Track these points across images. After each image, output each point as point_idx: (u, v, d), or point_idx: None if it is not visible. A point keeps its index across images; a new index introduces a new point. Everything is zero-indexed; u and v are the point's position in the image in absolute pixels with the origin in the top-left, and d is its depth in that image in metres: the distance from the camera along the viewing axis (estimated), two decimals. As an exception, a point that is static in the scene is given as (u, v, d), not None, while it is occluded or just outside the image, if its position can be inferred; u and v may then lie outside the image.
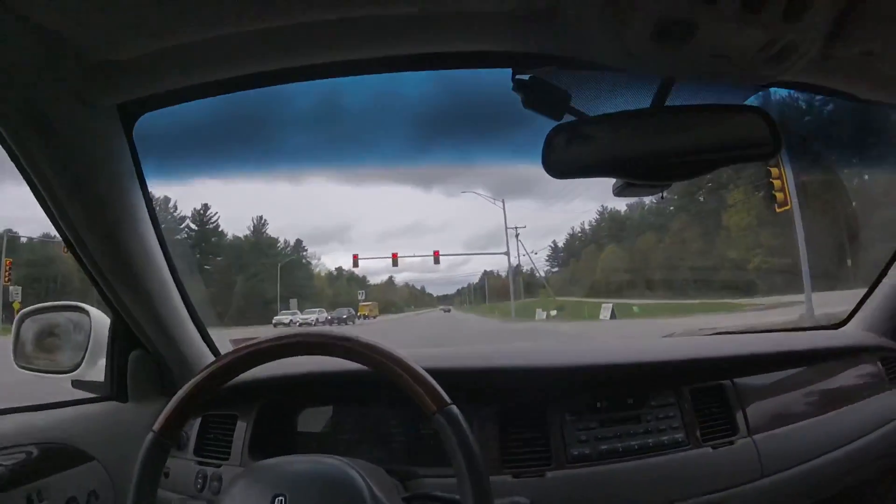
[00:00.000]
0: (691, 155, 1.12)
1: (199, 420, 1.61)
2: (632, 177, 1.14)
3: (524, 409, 1.51)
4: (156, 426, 1.03)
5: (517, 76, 1.12)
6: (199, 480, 1.51)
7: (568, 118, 1.14)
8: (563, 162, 1.11)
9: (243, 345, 1.11)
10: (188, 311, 1.65)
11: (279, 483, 1.01)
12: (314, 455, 1.12)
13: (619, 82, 1.16)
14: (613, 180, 1.20)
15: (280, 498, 0.97)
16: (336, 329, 1.17)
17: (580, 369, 1.65)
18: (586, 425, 1.50)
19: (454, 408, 1.02)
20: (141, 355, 1.62)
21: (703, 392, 1.62)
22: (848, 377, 1.91)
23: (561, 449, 1.46)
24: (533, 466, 1.44)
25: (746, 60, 0.95)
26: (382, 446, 1.55)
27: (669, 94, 1.12)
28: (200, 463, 1.55)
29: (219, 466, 1.51)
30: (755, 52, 0.93)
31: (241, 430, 1.55)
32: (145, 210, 1.40)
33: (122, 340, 1.61)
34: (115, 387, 1.62)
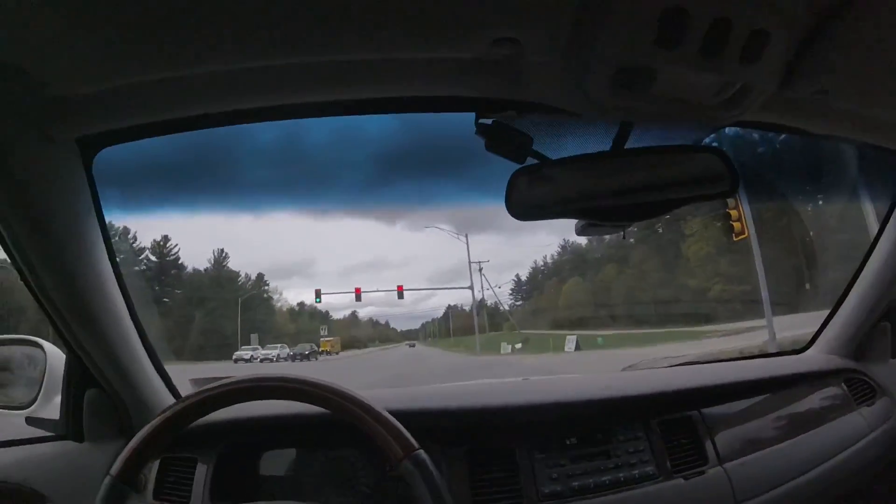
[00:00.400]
0: (651, 195, 1.15)
1: (158, 462, 1.55)
2: (593, 218, 1.16)
3: (493, 448, 1.49)
4: (113, 470, 1.01)
5: (480, 120, 1.13)
6: None
7: (530, 161, 1.16)
8: (526, 204, 1.13)
9: (201, 389, 1.10)
10: (146, 350, 1.60)
11: None
12: (277, 503, 1.12)
13: (580, 126, 1.18)
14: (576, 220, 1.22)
15: None
16: (294, 372, 1.15)
17: (547, 406, 1.64)
18: (556, 462, 1.49)
19: (422, 452, 1.01)
20: (97, 394, 1.56)
21: (672, 423, 1.63)
22: (814, 401, 1.95)
23: (532, 488, 1.44)
24: None
25: (704, 103, 0.99)
26: (348, 491, 1.51)
27: (629, 137, 1.16)
28: None
29: None
30: (712, 94, 0.96)
31: (202, 473, 1.50)
32: (103, 246, 1.37)
33: (77, 378, 1.55)
34: (70, 426, 1.56)
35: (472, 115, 1.15)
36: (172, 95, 1.06)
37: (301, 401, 1.09)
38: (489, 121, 1.13)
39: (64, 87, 0.99)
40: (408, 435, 1.03)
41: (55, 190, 1.19)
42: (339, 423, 1.08)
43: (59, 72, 0.95)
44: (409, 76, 1.02)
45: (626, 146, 1.17)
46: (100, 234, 1.35)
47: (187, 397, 1.10)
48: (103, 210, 1.35)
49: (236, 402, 1.10)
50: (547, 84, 1.01)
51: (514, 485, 1.45)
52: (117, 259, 1.45)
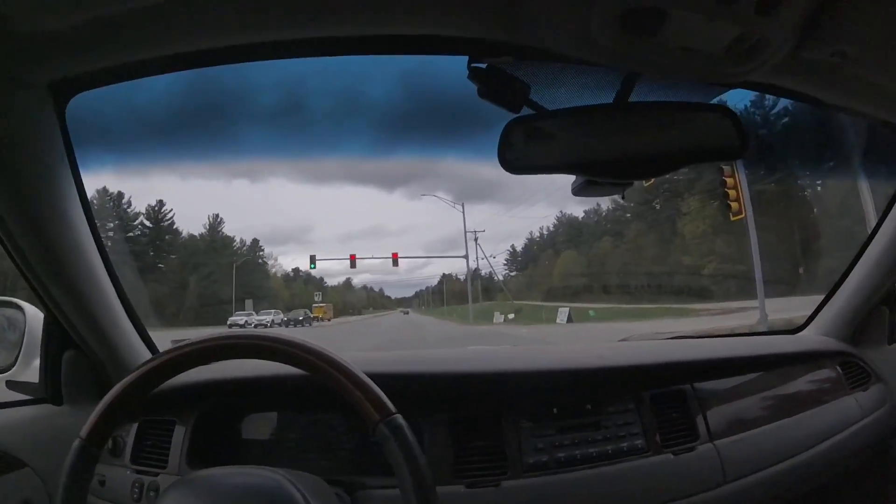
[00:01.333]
0: (654, 153, 1.09)
1: (136, 425, 1.52)
2: (592, 175, 1.10)
3: (478, 416, 1.46)
4: (82, 432, 0.97)
5: (473, 64, 1.05)
6: (136, 490, 1.41)
7: (527, 111, 1.08)
8: (520, 158, 1.07)
9: (173, 348, 1.05)
10: (125, 309, 1.56)
11: (212, 497, 0.95)
12: (252, 467, 1.06)
13: (581, 75, 1.10)
14: (572, 179, 1.16)
15: None
16: (274, 331, 1.10)
17: (536, 374, 1.61)
18: (543, 432, 1.46)
19: (399, 417, 0.98)
20: (76, 356, 1.53)
21: (663, 397, 1.60)
22: (808, 382, 1.92)
23: (517, 457, 1.41)
24: (487, 476, 1.39)
25: (715, 56, 0.91)
26: (329, 455, 1.48)
27: (633, 90, 1.08)
28: (138, 471, 1.45)
29: (156, 475, 1.42)
30: (724, 47, 0.89)
31: (180, 436, 1.46)
32: (77, 200, 1.31)
33: (55, 339, 1.53)
34: (49, 389, 1.54)
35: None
36: (153, 29, 0.96)
37: (276, 360, 1.04)
38: (483, 65, 1.05)
39: (31, 22, 0.89)
40: (385, 399, 0.98)
41: (25, 139, 1.12)
42: (321, 385, 1.04)
43: (25, 5, 0.86)
44: (397, 11, 0.94)
45: (631, 100, 1.09)
46: (74, 187, 1.29)
47: (157, 356, 1.05)
48: (78, 163, 1.28)
49: (209, 362, 1.06)
50: (547, 26, 0.93)
51: (498, 454, 1.42)
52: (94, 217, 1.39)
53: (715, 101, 1.18)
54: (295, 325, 29.84)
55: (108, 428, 1.00)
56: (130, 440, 1.50)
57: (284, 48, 1.06)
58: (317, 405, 1.51)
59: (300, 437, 1.52)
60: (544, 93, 1.10)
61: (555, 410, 1.49)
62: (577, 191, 1.17)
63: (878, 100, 1.20)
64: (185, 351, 1.04)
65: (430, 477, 0.95)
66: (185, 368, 1.05)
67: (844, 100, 1.22)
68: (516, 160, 1.06)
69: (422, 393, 1.46)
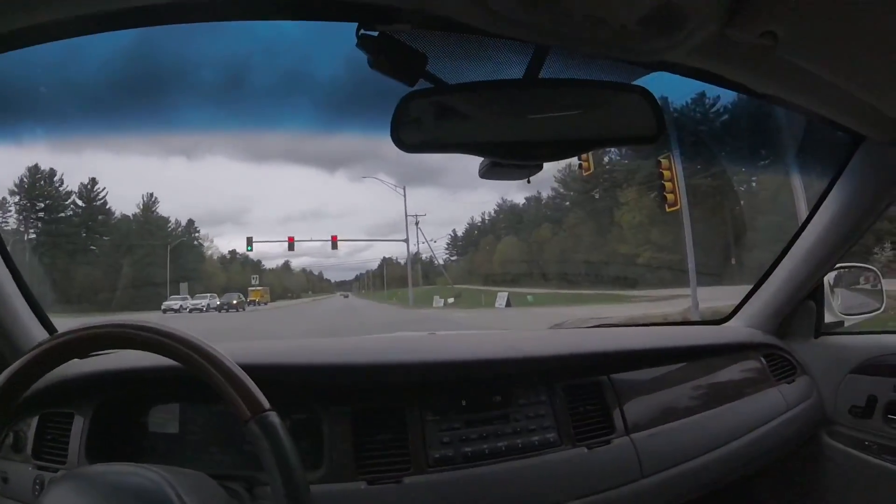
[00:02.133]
0: (565, 134, 1.04)
1: (36, 419, 1.41)
2: (496, 156, 1.04)
3: (381, 408, 1.39)
4: None
5: (363, 32, 0.96)
6: (37, 486, 1.32)
7: (424, 85, 1.01)
8: (416, 134, 0.99)
9: (38, 343, 0.99)
10: (19, 288, 1.47)
11: (89, 497, 0.90)
12: (133, 466, 0.99)
13: (487, 48, 1.04)
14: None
15: None
16: (147, 319, 1.01)
17: (446, 365, 1.54)
18: (449, 426, 1.40)
19: (272, 414, 0.92)
20: None
21: (578, 389, 1.56)
22: (731, 373, 1.92)
23: (421, 452, 1.35)
24: (390, 472, 1.32)
25: (629, 29, 0.84)
26: (232, 449, 1.39)
27: (544, 66, 1.02)
28: (39, 467, 1.35)
29: (56, 471, 1.32)
30: (638, 19, 0.82)
31: (78, 429, 1.36)
32: None
33: None
34: None
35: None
36: None
37: (146, 350, 0.98)
38: (374, 33, 0.96)
39: None
40: (258, 394, 0.92)
41: None
42: None
43: None
44: None
45: (542, 76, 1.03)
46: None
47: (32, 349, 0.98)
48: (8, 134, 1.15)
49: (81, 355, 0.99)
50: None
51: (401, 448, 1.35)
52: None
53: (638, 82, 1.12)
54: (228, 310, 29.16)
55: None
56: (31, 434, 1.40)
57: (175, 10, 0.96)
58: (219, 398, 1.43)
59: (203, 430, 1.43)
60: (445, 65, 1.03)
61: (463, 402, 1.44)
62: (485, 173, 1.11)
63: (809, 90, 1.16)
64: (53, 345, 0.97)
65: (301, 478, 0.89)
66: (56, 363, 0.99)
67: (775, 88, 1.19)
68: (411, 137, 0.98)
69: (323, 384, 1.38)
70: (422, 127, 0.99)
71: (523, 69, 1.02)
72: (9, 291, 1.43)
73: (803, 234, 1.96)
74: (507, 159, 1.04)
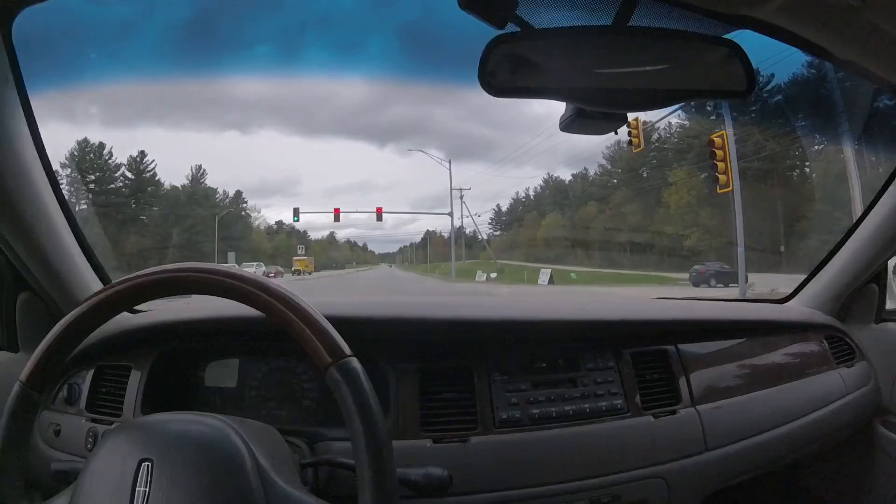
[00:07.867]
0: (653, 84, 0.99)
1: (92, 372, 1.44)
2: (583, 102, 1.00)
3: (449, 367, 1.38)
4: (21, 376, 0.90)
5: None
6: (90, 439, 1.34)
7: (512, 28, 0.97)
8: (504, 79, 0.95)
9: (105, 287, 0.96)
10: (79, 244, 1.47)
11: (149, 445, 0.86)
12: (195, 414, 0.97)
13: (577, -9, 0.99)
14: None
15: (146, 464, 0.83)
16: (226, 266, 1.00)
17: (513, 324, 1.53)
18: (517, 387, 1.39)
19: (353, 360, 0.87)
20: (30, 298, 1.46)
21: (645, 356, 1.54)
22: (793, 353, 1.87)
23: (488, 412, 1.34)
24: (456, 431, 1.32)
25: None
26: (292, 404, 1.42)
27: (634, 14, 0.97)
28: (93, 420, 1.38)
29: (111, 424, 1.34)
30: None
31: (135, 382, 1.39)
32: (25, 127, 1.21)
33: (7, 282, 1.46)
34: (4, 335, 1.48)
35: None
36: None
37: (223, 296, 0.94)
38: None
39: None
40: (339, 340, 0.88)
41: None
42: (281, 330, 0.93)
43: None
44: None
45: (630, 24, 0.98)
46: (20, 111, 1.20)
47: (93, 295, 0.95)
48: (27, 85, 1.18)
49: (150, 298, 0.97)
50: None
51: (468, 407, 1.35)
52: (42, 142, 1.29)
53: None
54: (274, 277, 29.52)
55: (49, 370, 0.92)
56: (86, 387, 1.43)
57: None
58: (280, 352, 1.45)
59: (262, 385, 1.45)
60: (533, 9, 0.98)
61: (531, 364, 1.42)
62: (566, 125, 1.07)
63: (893, 56, 1.10)
64: (123, 287, 0.94)
65: (383, 427, 0.85)
66: (125, 306, 0.97)
67: (857, 53, 1.12)
68: (499, 81, 0.94)
69: (390, 339, 1.38)
70: (510, 71, 0.95)
71: (612, 16, 0.98)
72: (67, 242, 1.44)
73: (869, 214, 1.88)
74: (594, 106, 1.00)
